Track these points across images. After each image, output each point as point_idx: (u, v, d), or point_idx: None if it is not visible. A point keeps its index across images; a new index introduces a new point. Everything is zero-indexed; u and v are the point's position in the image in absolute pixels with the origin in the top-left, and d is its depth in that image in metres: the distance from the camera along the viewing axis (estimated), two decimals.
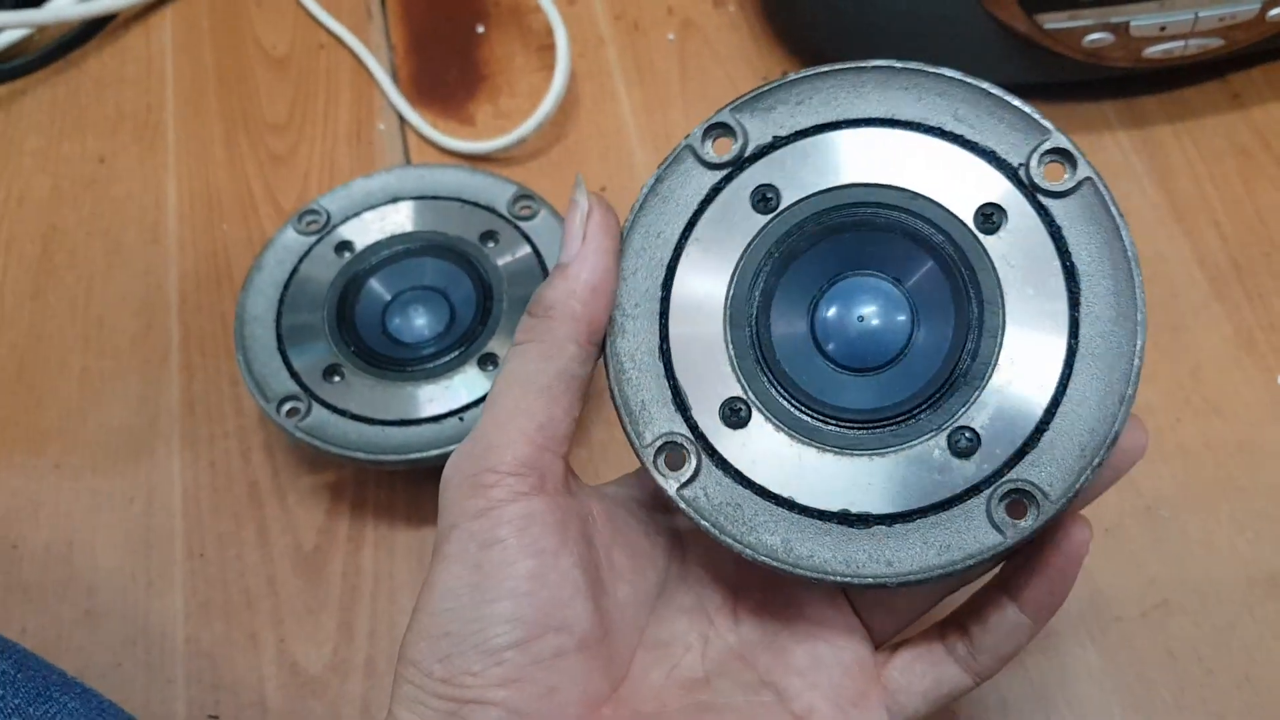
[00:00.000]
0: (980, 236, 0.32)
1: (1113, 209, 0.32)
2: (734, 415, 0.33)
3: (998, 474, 0.31)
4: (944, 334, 0.33)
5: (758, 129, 0.34)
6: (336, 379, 0.50)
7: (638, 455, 0.33)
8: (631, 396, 0.33)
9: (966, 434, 0.32)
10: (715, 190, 0.34)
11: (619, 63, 0.66)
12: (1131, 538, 0.49)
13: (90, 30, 0.69)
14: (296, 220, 0.54)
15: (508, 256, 0.53)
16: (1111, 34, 0.54)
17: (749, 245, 0.34)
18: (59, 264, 0.61)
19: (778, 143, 0.34)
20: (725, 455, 0.33)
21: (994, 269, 0.32)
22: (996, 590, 0.34)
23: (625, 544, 0.35)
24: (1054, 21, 0.54)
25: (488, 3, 0.69)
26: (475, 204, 0.55)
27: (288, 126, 0.65)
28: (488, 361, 0.50)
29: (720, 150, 0.34)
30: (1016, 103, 0.33)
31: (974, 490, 0.32)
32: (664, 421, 0.33)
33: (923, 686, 0.35)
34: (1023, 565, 0.34)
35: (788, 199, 0.34)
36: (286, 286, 0.52)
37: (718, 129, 0.34)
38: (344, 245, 0.54)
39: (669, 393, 0.33)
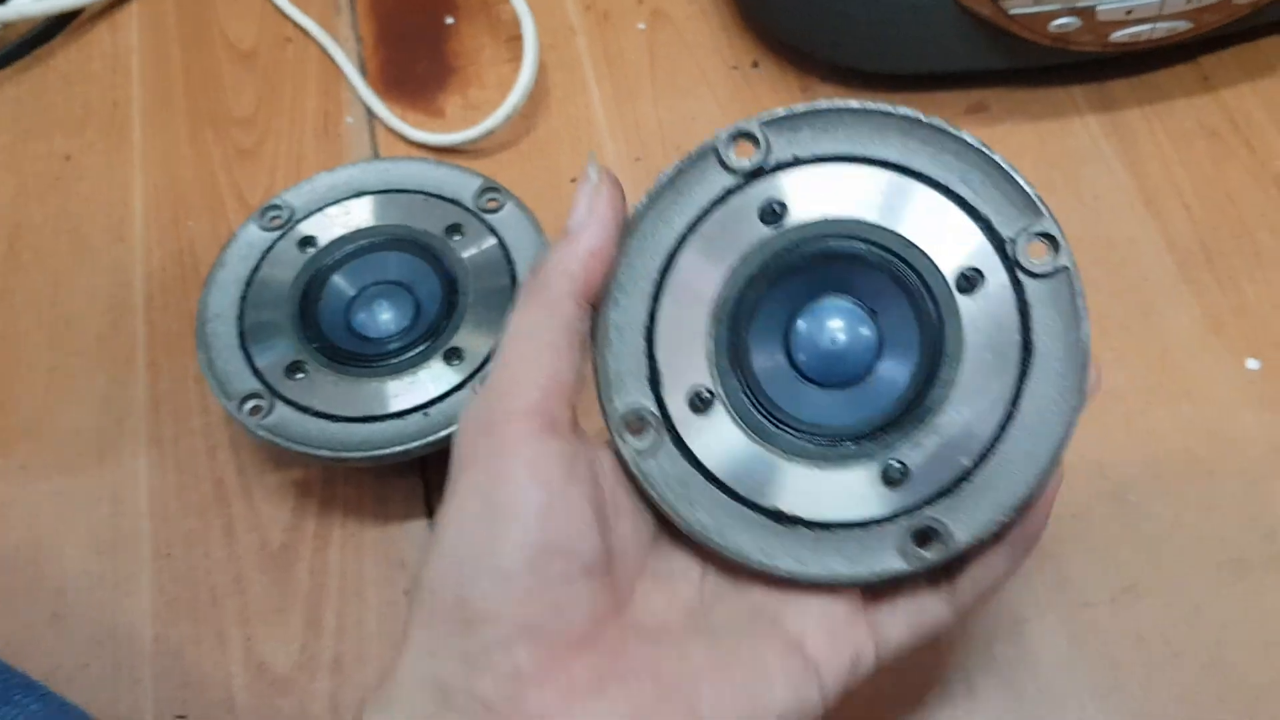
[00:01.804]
0: (957, 295, 0.35)
1: (1079, 301, 0.33)
2: (699, 402, 0.35)
3: (916, 508, 0.34)
4: (903, 373, 0.35)
5: (781, 146, 0.36)
6: (300, 376, 0.49)
7: (605, 419, 0.36)
8: (611, 365, 0.36)
9: (899, 467, 0.34)
10: (728, 193, 0.36)
11: (589, 53, 0.66)
12: (1100, 523, 0.49)
13: (56, 26, 0.68)
14: (259, 216, 0.54)
15: (473, 249, 0.53)
16: (1078, 18, 0.54)
17: (748, 252, 0.36)
18: (26, 263, 0.60)
19: (797, 162, 0.36)
20: (684, 436, 0.35)
21: (961, 327, 0.34)
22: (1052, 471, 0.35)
23: (628, 488, 0.37)
24: (1019, 7, 0.54)
25: None
26: (440, 197, 0.55)
27: (254, 121, 0.64)
28: (453, 356, 0.50)
29: (742, 157, 0.36)
30: (1021, 182, 0.34)
31: (892, 518, 0.34)
32: (635, 394, 0.36)
33: (905, 617, 0.36)
34: None
35: (793, 218, 0.36)
36: (249, 283, 0.52)
37: (744, 137, 0.36)
38: (307, 240, 0.53)
39: (645, 369, 0.36)
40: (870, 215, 0.35)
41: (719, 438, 0.35)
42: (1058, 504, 0.49)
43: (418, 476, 0.52)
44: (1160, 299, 0.54)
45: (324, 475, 0.53)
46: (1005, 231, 0.34)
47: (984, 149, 0.35)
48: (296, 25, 0.68)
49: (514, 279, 0.52)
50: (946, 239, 0.35)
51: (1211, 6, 0.55)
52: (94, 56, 0.68)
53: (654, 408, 0.36)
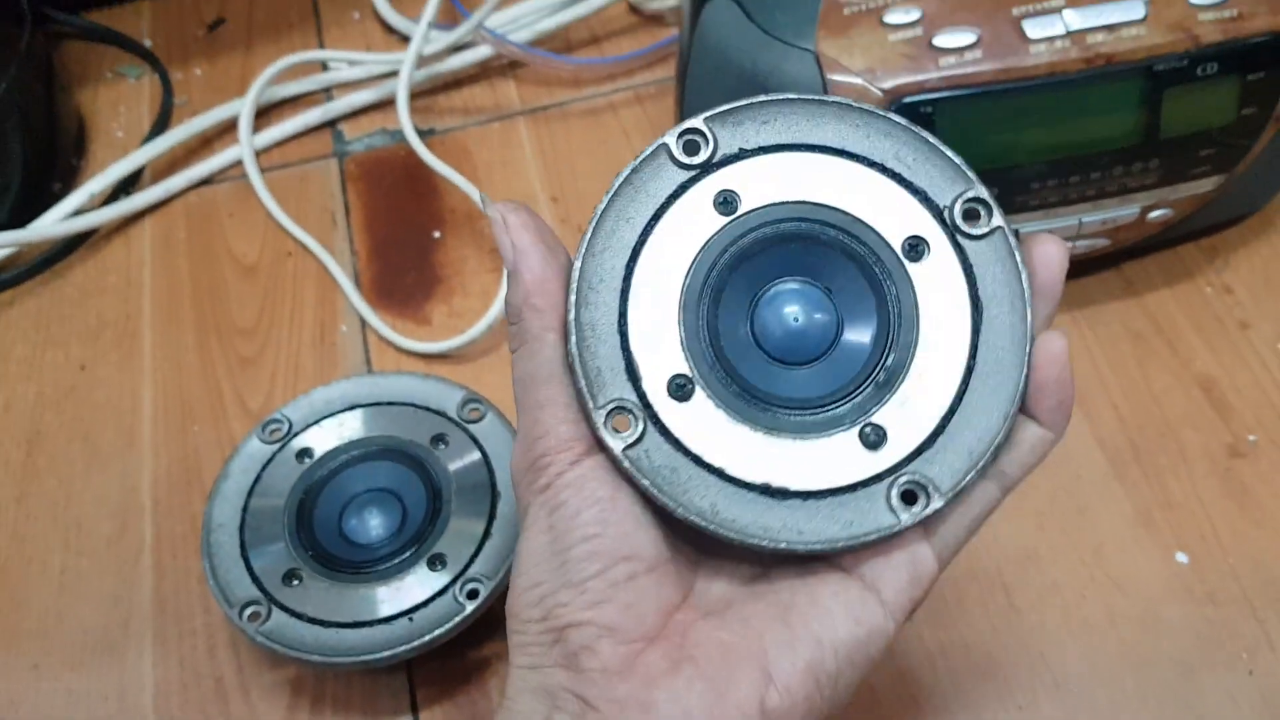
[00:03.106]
0: (906, 262, 0.38)
1: (1017, 255, 0.37)
2: (679, 390, 0.37)
3: (898, 467, 0.36)
4: (866, 341, 0.38)
5: (726, 139, 0.39)
6: (295, 583, 0.53)
7: (588, 416, 0.37)
8: (589, 363, 0.37)
9: (876, 430, 0.37)
10: (682, 187, 0.38)
11: None
12: (1043, 714, 0.52)
13: (74, 243, 0.74)
14: (260, 429, 0.58)
15: (456, 459, 0.57)
16: None
17: (707, 241, 0.38)
18: (41, 468, 0.65)
19: (743, 154, 0.39)
20: (668, 424, 0.37)
21: (914, 291, 0.38)
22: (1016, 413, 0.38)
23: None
24: None
25: (444, 210, 0.74)
26: (427, 408, 0.59)
27: (256, 330, 0.69)
28: (437, 561, 0.54)
29: (691, 153, 0.38)
30: (949, 154, 0.38)
31: (877, 479, 0.36)
32: (616, 388, 0.37)
33: (956, 513, 0.38)
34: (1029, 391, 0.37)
35: (745, 205, 0.38)
36: (250, 493, 0.56)
37: (691, 133, 0.38)
38: (304, 452, 0.58)
39: (623, 363, 0.37)
40: (816, 197, 0.38)
41: (702, 422, 0.37)
42: (1005, 699, 0.53)
43: (404, 675, 0.56)
44: (1093, 496, 0.59)
45: (316, 674, 0.56)
46: (941, 200, 0.38)
47: (912, 128, 0.38)
48: (296, 240, 0.73)
49: (493, 486, 0.56)
50: (889, 212, 0.38)
51: (1126, 226, 0.60)
52: (109, 270, 0.73)
53: (636, 399, 0.37)
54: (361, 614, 0.52)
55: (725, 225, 0.38)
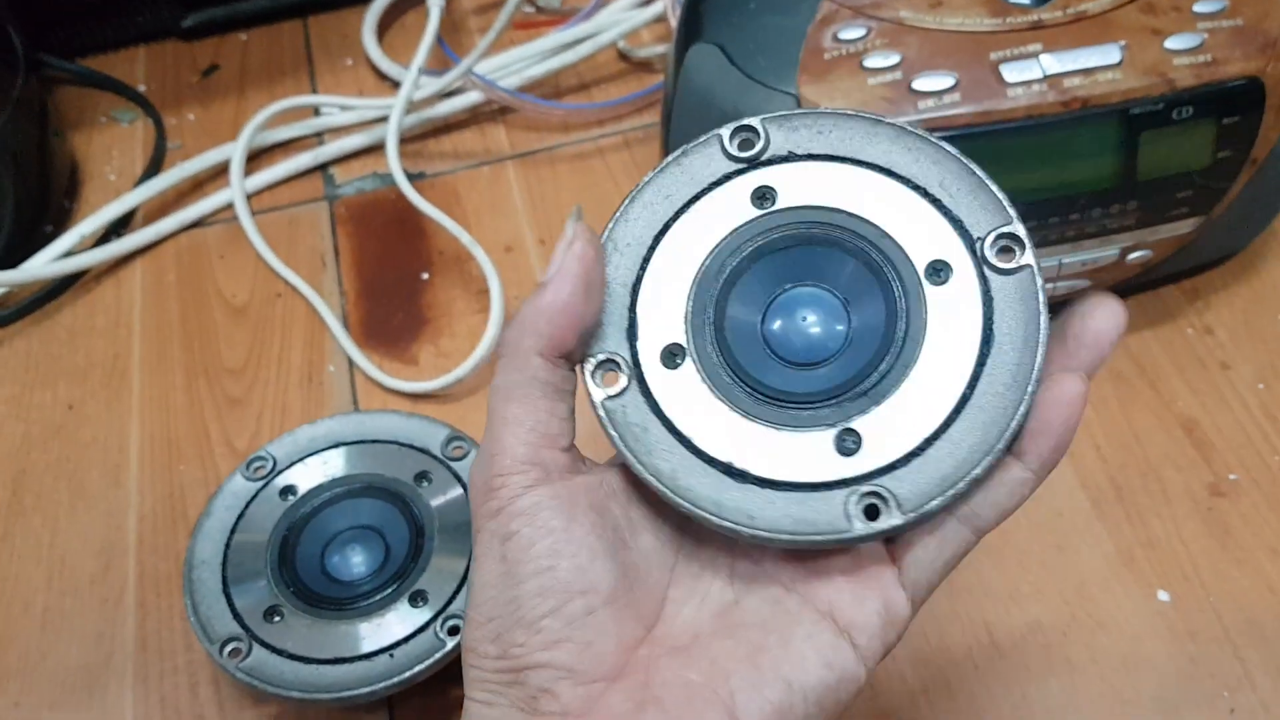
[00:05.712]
0: (925, 283, 0.38)
1: (1040, 296, 0.37)
2: (671, 358, 0.38)
3: (866, 477, 0.36)
4: (868, 351, 0.38)
5: (779, 141, 0.40)
6: (277, 619, 0.53)
7: (580, 364, 0.38)
8: None
9: (853, 437, 0.37)
10: (726, 177, 0.40)
11: None
12: None
13: (65, 284, 0.74)
14: (245, 467, 0.58)
15: (440, 496, 0.57)
16: None
17: (736, 229, 0.39)
18: (27, 506, 0.65)
19: (791, 157, 0.40)
20: (651, 387, 0.38)
21: (927, 313, 0.37)
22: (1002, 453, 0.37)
23: (644, 499, 0.39)
24: None
25: (433, 252, 0.75)
26: (411, 446, 0.60)
27: (244, 371, 0.70)
28: (419, 598, 0.54)
29: (743, 148, 0.40)
30: (994, 188, 0.38)
31: (841, 483, 0.36)
32: (613, 343, 0.38)
33: (929, 554, 0.38)
34: (1028, 428, 0.36)
35: (781, 203, 0.39)
36: (233, 530, 0.56)
37: (746, 130, 0.40)
38: (288, 489, 0.58)
39: (626, 321, 0.38)
40: (852, 208, 0.39)
41: (684, 392, 0.38)
42: None
43: (385, 712, 0.56)
44: (1074, 535, 0.59)
45: (297, 710, 0.56)
46: (976, 231, 0.38)
47: (961, 158, 0.39)
48: (286, 282, 0.74)
49: None
50: (920, 234, 0.38)
51: (1106, 268, 0.61)
52: (98, 311, 0.74)
53: (628, 357, 0.38)
54: (342, 650, 0.52)
55: (756, 217, 0.39)
